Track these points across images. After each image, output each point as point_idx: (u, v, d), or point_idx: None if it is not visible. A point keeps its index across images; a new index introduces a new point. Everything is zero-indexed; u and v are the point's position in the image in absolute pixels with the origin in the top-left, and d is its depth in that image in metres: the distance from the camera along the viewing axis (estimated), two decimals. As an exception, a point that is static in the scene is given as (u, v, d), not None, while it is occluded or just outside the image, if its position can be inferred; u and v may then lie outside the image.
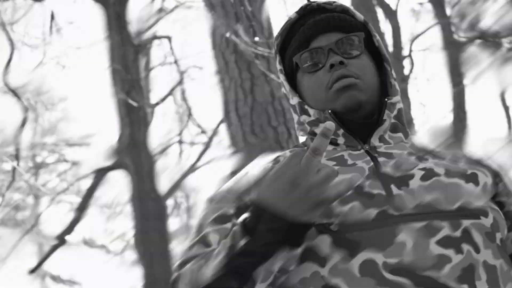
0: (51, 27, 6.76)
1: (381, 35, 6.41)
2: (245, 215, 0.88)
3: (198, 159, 7.88)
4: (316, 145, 0.84)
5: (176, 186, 7.43)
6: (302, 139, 1.18)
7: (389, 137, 1.07)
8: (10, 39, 7.51)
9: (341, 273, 0.88)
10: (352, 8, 1.14)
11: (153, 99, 7.58)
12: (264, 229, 0.85)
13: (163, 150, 7.70)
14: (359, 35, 1.08)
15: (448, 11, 7.37)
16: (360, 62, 1.07)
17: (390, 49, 6.64)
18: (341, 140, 1.07)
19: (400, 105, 1.11)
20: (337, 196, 0.85)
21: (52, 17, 6.58)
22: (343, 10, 1.13)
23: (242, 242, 0.86)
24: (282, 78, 1.13)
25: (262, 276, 0.88)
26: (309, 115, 1.09)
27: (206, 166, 7.78)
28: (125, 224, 7.63)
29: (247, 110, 4.16)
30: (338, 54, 1.06)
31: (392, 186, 0.95)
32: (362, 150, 1.04)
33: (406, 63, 6.86)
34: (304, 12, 1.13)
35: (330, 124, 0.85)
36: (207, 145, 8.03)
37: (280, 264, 0.88)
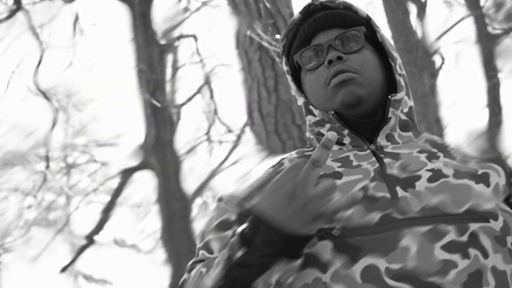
0: (76, 28, 6.88)
1: (411, 29, 6.29)
2: (243, 226, 0.87)
3: (226, 158, 7.91)
4: (316, 156, 0.83)
5: (204, 185, 7.48)
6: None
7: (399, 136, 1.05)
8: (40, 42, 7.69)
9: (342, 279, 0.87)
10: (355, 4, 1.12)
11: (180, 98, 7.65)
12: (260, 241, 0.84)
13: (190, 150, 7.76)
14: (359, 29, 1.07)
15: (482, 2, 7.19)
16: (361, 56, 1.05)
17: (421, 43, 6.50)
18: (347, 140, 1.05)
19: (410, 103, 1.09)
20: (336, 211, 0.84)
21: (77, 18, 6.70)
22: (346, 7, 1.11)
23: (239, 254, 0.86)
24: (289, 79, 1.13)
25: None
26: (314, 115, 1.08)
27: (234, 166, 7.80)
28: (154, 224, 7.72)
29: (271, 109, 4.15)
30: (337, 50, 1.05)
31: (398, 188, 0.93)
32: (369, 151, 1.03)
33: (436, 57, 6.72)
34: (308, 12, 1.12)
35: (332, 135, 0.84)
36: (235, 144, 8.05)
37: (277, 276, 0.87)
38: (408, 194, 0.93)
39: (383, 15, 6.49)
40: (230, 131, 8.22)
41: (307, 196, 0.82)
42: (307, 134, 1.13)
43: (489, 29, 7.13)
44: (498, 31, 7.19)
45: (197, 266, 0.96)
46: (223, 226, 1.01)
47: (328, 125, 1.06)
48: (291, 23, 1.13)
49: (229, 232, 0.99)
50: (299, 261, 0.88)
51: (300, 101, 1.10)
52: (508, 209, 0.96)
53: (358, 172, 0.97)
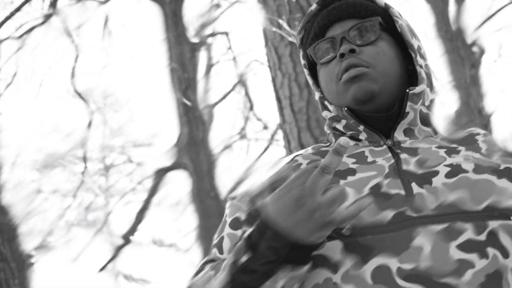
0: (109, 29, 6.99)
1: (447, 17, 6.13)
2: (250, 230, 0.86)
3: (261, 156, 7.90)
4: (326, 162, 0.81)
5: (239, 184, 7.50)
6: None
7: (419, 130, 1.02)
8: (75, 44, 7.86)
9: (353, 279, 0.85)
10: None
11: (214, 96, 7.68)
12: (265, 247, 0.83)
13: (225, 148, 7.79)
14: (374, 19, 1.03)
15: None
16: (375, 49, 1.01)
17: (462, 31, 6.32)
18: (363, 136, 1.03)
19: (433, 96, 1.05)
20: (344, 220, 0.81)
21: (107, 19, 6.81)
22: None
23: (244, 259, 0.84)
24: (306, 73, 1.11)
25: None
26: (330, 111, 1.05)
27: (268, 163, 7.77)
28: (190, 223, 7.80)
29: (303, 105, 4.12)
30: (351, 42, 1.01)
31: (413, 185, 0.90)
32: (385, 146, 1.00)
33: (478, 46, 6.51)
34: (326, 2, 1.09)
35: (345, 141, 0.81)
36: (271, 142, 8.03)
37: (282, 283, 0.85)
38: (424, 191, 0.89)
39: (424, 3, 6.35)
40: (266, 128, 8.21)
41: (315, 204, 0.80)
42: (326, 128, 1.11)
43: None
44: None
45: (206, 268, 0.96)
46: (235, 224, 1.00)
47: (344, 121, 1.04)
48: (308, 15, 1.10)
49: (239, 232, 0.99)
50: (305, 268, 0.85)
51: (316, 95, 1.08)
52: None
53: (373, 169, 0.95)
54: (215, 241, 1.02)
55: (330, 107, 1.04)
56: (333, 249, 0.87)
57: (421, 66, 1.03)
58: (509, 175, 0.93)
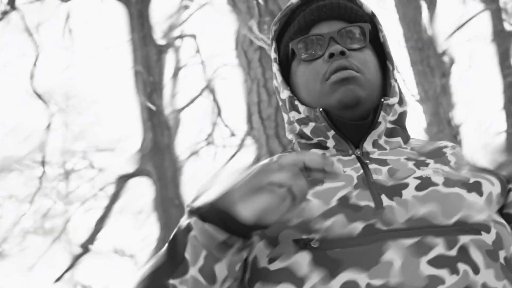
0: (72, 28, 6.87)
1: (423, 26, 6.21)
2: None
3: (228, 163, 7.85)
4: (311, 162, 0.84)
5: (203, 191, 7.41)
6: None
7: (385, 142, 1.02)
8: (35, 43, 7.69)
9: None
10: None
11: (180, 101, 7.61)
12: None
13: (192, 155, 7.71)
14: (365, 26, 1.02)
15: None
16: (363, 55, 1.01)
17: (432, 40, 6.41)
18: (330, 143, 1.01)
19: (402, 109, 1.05)
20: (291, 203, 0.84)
21: (69, 18, 6.68)
22: None
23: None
24: (275, 68, 1.07)
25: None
26: (299, 112, 1.02)
27: (236, 170, 7.73)
28: (152, 232, 7.70)
29: (271, 112, 4.09)
30: (339, 43, 1.00)
31: (383, 197, 0.90)
32: (353, 156, 0.99)
33: (449, 55, 6.62)
34: None
35: (340, 170, 0.85)
36: (239, 149, 7.99)
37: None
38: (394, 203, 0.89)
39: (394, 11, 6.42)
40: (233, 134, 8.17)
41: (268, 180, 0.81)
42: (288, 135, 1.09)
43: (506, 25, 7.02)
44: (515, 27, 7.07)
45: None
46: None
47: (312, 125, 1.01)
48: (287, 8, 1.07)
49: None
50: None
51: (285, 94, 1.04)
52: (502, 220, 0.92)
53: (341, 179, 0.93)
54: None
55: (301, 108, 1.02)
56: (300, 261, 0.85)
57: (395, 80, 1.04)
58: (479, 189, 0.93)
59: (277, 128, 4.03)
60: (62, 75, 8.55)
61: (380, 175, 0.94)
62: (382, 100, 1.00)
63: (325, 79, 0.99)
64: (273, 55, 1.07)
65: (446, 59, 6.40)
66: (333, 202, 0.90)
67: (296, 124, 1.04)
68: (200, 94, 8.06)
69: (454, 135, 5.85)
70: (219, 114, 8.03)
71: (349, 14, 1.03)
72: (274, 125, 4.05)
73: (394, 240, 0.85)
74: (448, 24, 7.02)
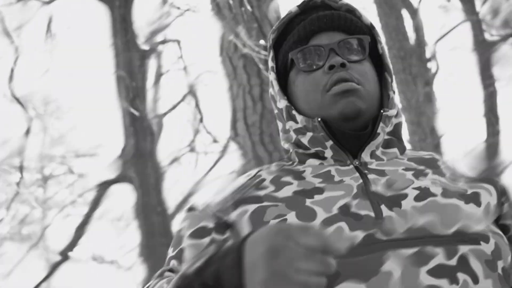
0: (53, 32, 6.79)
1: (405, 35, 6.27)
2: (219, 246, 0.82)
3: (210, 170, 7.82)
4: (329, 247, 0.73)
5: (187, 199, 7.38)
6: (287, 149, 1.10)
7: (382, 153, 1.03)
8: (15, 45, 7.59)
9: None
10: (358, 9, 1.07)
11: (162, 107, 7.56)
12: (213, 271, 0.79)
13: (173, 161, 7.67)
14: (365, 38, 1.03)
15: (478, 7, 7.19)
16: (363, 67, 1.02)
17: (415, 49, 6.48)
18: (328, 153, 1.01)
19: (398, 120, 1.06)
20: None
21: (52, 21, 6.61)
22: (349, 10, 1.07)
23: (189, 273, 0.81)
24: (272, 76, 1.07)
25: None
26: (296, 122, 1.02)
27: (219, 178, 7.72)
28: (134, 239, 7.62)
29: (256, 119, 4.09)
30: (339, 55, 1.00)
31: (383, 207, 0.90)
32: (351, 166, 0.99)
33: (431, 64, 6.70)
34: (306, 8, 1.08)
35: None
36: (221, 156, 7.97)
37: None
38: (393, 214, 0.89)
39: (377, 20, 6.48)
40: (216, 141, 8.15)
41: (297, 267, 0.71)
42: (283, 144, 1.08)
43: (486, 35, 7.13)
44: (495, 38, 7.19)
45: (161, 281, 0.91)
46: (199, 233, 0.97)
47: (309, 135, 1.01)
48: (285, 16, 1.08)
49: (206, 240, 0.96)
50: None
51: (282, 103, 1.04)
52: (499, 231, 0.93)
53: (340, 188, 0.94)
54: (172, 254, 0.99)
55: (299, 118, 1.02)
56: None
57: (394, 92, 1.05)
58: (477, 200, 0.94)
59: (262, 135, 4.03)
60: (42, 79, 8.45)
61: (379, 185, 0.95)
62: (382, 111, 1.01)
63: (325, 91, 0.99)
64: (270, 63, 1.07)
65: (429, 67, 6.47)
66: (334, 210, 0.90)
67: (291, 133, 1.04)
68: (182, 100, 8.04)
69: (435, 145, 5.90)
70: (201, 120, 8.01)
71: (348, 26, 1.04)
72: (259, 132, 4.04)
73: (394, 250, 0.84)
74: (430, 33, 7.11)
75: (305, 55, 1.02)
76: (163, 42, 7.51)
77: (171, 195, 6.91)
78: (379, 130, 1.01)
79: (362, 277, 0.82)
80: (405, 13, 6.67)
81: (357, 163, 1.00)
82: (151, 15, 7.42)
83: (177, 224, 1.07)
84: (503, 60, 7.00)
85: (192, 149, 8.13)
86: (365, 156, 1.01)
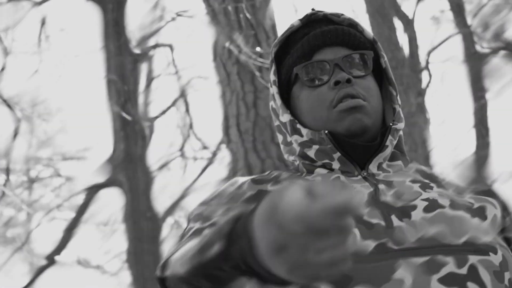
0: (43, 33, 6.74)
1: (397, 45, 6.31)
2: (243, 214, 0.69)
3: (199, 176, 7.79)
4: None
5: (176, 204, 7.35)
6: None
7: (387, 166, 1.04)
8: (4, 46, 7.53)
9: None
10: (360, 23, 1.08)
11: (153, 111, 7.53)
12: (238, 250, 0.67)
13: (162, 166, 7.63)
14: (368, 53, 1.04)
15: (470, 20, 7.26)
16: (367, 83, 1.03)
17: (407, 60, 6.53)
18: (336, 165, 1.02)
19: (401, 133, 1.08)
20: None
21: (43, 22, 6.57)
22: (351, 24, 1.08)
23: (216, 247, 0.71)
24: (274, 90, 1.07)
25: None
26: (301, 135, 1.03)
27: (208, 184, 7.69)
28: (121, 244, 7.56)
29: (249, 126, 4.08)
30: (344, 70, 1.01)
31: (393, 217, 0.92)
32: (360, 177, 1.01)
33: (423, 75, 6.75)
34: (308, 21, 1.09)
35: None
36: (210, 162, 7.94)
37: None
38: (403, 224, 0.91)
39: (369, 30, 6.50)
40: (205, 147, 8.12)
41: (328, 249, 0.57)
42: (287, 157, 1.08)
43: (477, 47, 7.20)
44: (486, 50, 7.26)
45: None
46: (231, 199, 0.96)
47: (315, 147, 1.02)
48: (288, 30, 1.08)
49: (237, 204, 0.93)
50: None
51: (285, 118, 1.04)
52: (504, 243, 0.96)
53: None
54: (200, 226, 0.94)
55: (304, 131, 1.02)
56: None
57: (399, 105, 1.07)
58: (483, 213, 0.96)
59: (255, 142, 4.02)
60: (30, 81, 8.37)
61: (388, 196, 0.96)
62: (391, 124, 1.03)
63: (332, 107, 1.00)
64: (272, 77, 1.08)
65: (421, 77, 6.52)
66: None
67: (295, 146, 1.05)
68: (172, 105, 8.01)
69: (426, 156, 5.93)
70: (191, 126, 7.99)
71: (352, 41, 1.05)
72: (252, 139, 4.04)
73: (406, 259, 0.86)
74: (422, 44, 7.16)
75: (310, 70, 1.03)
76: (155, 46, 7.49)
77: (160, 200, 6.87)
78: (387, 143, 1.02)
79: (374, 283, 0.83)
80: (397, 23, 6.72)
81: (365, 174, 1.01)
82: (143, 19, 7.40)
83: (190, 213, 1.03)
84: (494, 72, 7.07)
85: (182, 155, 8.10)
86: (373, 167, 1.02)
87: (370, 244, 0.87)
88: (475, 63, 7.01)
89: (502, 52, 7.11)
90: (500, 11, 7.13)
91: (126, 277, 7.23)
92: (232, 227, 0.69)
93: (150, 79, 7.38)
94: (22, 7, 7.62)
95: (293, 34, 1.08)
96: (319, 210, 0.54)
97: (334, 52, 1.03)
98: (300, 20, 1.09)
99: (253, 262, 0.64)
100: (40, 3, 7.39)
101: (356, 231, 0.88)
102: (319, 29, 1.05)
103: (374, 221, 0.90)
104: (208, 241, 0.73)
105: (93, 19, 6.87)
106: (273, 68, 1.08)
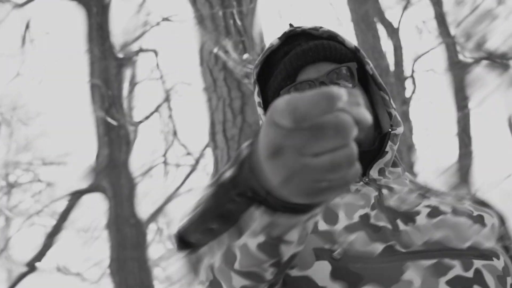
0: (25, 36, 6.66)
1: (382, 53, 6.36)
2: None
3: (183, 183, 7.75)
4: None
5: (159, 211, 7.29)
6: None
7: (389, 172, 1.04)
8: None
9: None
10: (340, 34, 1.08)
11: (136, 117, 7.48)
12: (243, 177, 0.63)
13: (146, 172, 7.58)
14: (352, 65, 1.04)
15: (453, 30, 7.35)
16: None
17: (392, 68, 6.58)
18: None
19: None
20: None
21: (28, 26, 6.49)
22: (331, 36, 1.07)
23: (227, 175, 0.66)
24: (260, 111, 1.07)
25: None
26: None
27: (191, 191, 7.66)
28: (102, 251, 7.47)
29: (236, 132, 4.06)
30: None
31: (398, 221, 0.93)
32: (361, 182, 1.01)
33: (408, 84, 6.81)
34: (287, 37, 1.07)
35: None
36: (193, 168, 7.91)
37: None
38: (409, 228, 0.93)
39: (354, 38, 6.55)
40: (189, 153, 8.09)
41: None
42: None
43: (460, 57, 7.29)
44: (469, 60, 7.36)
45: None
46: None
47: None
48: (267, 49, 1.07)
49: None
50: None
51: None
52: (503, 250, 0.98)
53: (360, 198, 0.96)
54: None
55: None
56: (321, 271, 0.86)
57: (394, 109, 1.06)
58: (482, 221, 0.99)
59: (241, 149, 4.01)
60: (10, 84, 8.27)
61: (392, 201, 0.98)
62: (390, 130, 1.03)
63: None
64: (257, 99, 1.07)
65: (406, 86, 6.57)
66: (355, 217, 0.92)
67: None
68: (156, 110, 7.97)
69: (411, 164, 5.98)
70: (174, 132, 7.96)
71: (334, 54, 1.04)
72: (237, 146, 4.02)
73: (413, 261, 0.88)
74: (407, 53, 7.23)
75: (295, 91, 1.02)
76: (140, 51, 7.46)
77: (142, 206, 6.81)
78: (387, 149, 1.03)
79: (384, 283, 0.85)
80: (382, 32, 6.78)
81: (366, 179, 1.02)
82: (128, 24, 7.36)
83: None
84: (476, 81, 7.16)
85: (164, 161, 8.06)
86: (373, 173, 1.03)
87: (379, 247, 0.89)
88: (458, 72, 7.10)
89: (484, 62, 7.20)
90: (482, 21, 7.24)
91: (108, 284, 7.16)
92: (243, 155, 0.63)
93: (133, 84, 7.34)
94: (3, 9, 7.53)
95: (273, 53, 1.07)
96: (308, 97, 0.51)
97: (318, 69, 1.03)
98: (279, 38, 1.07)
99: (256, 184, 0.61)
100: (21, 5, 7.30)
101: (364, 234, 0.90)
102: (299, 47, 1.04)
103: (381, 224, 0.92)
104: (223, 171, 0.67)
105: (77, 23, 6.82)
106: (257, 89, 1.07)
